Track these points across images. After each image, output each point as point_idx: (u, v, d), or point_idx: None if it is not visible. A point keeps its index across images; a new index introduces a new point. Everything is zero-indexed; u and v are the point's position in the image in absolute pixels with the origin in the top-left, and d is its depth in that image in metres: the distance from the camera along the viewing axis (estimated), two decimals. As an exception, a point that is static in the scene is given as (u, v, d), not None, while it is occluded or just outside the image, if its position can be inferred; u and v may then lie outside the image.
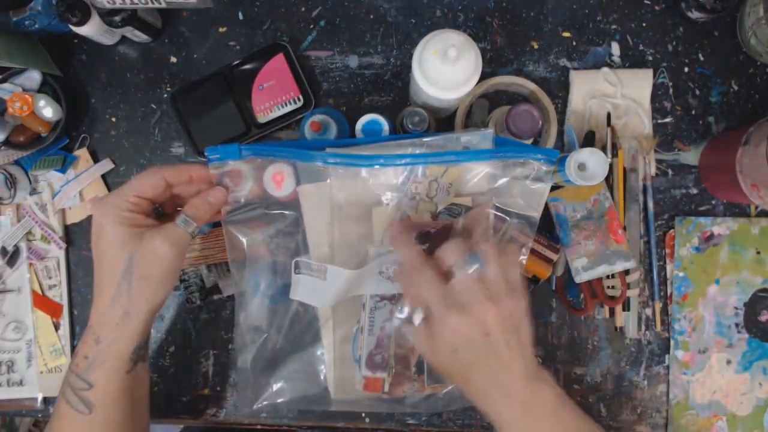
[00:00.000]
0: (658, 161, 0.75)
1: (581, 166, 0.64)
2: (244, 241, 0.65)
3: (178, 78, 0.76)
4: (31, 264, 0.76)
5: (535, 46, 0.75)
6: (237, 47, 0.76)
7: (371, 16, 0.76)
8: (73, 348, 0.76)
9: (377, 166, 0.61)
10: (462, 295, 0.50)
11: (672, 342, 0.74)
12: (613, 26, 0.75)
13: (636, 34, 0.75)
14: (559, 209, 0.72)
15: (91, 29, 0.69)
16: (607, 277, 0.72)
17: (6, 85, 0.71)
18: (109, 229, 0.57)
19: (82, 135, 0.77)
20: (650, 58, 0.75)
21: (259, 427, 0.78)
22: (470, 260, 0.51)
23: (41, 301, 0.76)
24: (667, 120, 0.75)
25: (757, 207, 0.74)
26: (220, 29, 0.76)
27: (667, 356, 0.74)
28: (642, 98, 0.73)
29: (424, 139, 0.62)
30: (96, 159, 0.77)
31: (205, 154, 0.62)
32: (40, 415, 0.77)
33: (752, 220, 0.74)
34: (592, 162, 0.64)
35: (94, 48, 0.77)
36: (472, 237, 0.55)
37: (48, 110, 0.72)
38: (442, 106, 0.67)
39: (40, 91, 0.72)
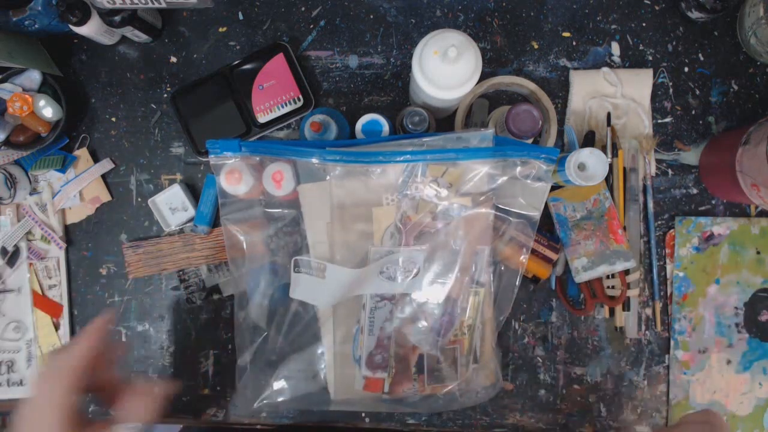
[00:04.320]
0: (658, 161, 0.75)
1: (581, 166, 0.64)
2: (244, 240, 0.65)
3: (178, 78, 0.76)
4: (31, 264, 0.76)
5: (535, 46, 0.75)
6: (237, 47, 0.76)
7: (371, 16, 0.76)
8: (73, 348, 0.76)
9: (377, 164, 0.61)
10: None
11: (672, 342, 0.74)
12: (613, 26, 0.75)
13: (636, 34, 0.75)
14: (559, 209, 0.72)
15: (91, 29, 0.69)
16: (607, 277, 0.72)
17: (6, 85, 0.71)
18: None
19: (82, 135, 0.77)
20: (650, 58, 0.75)
21: (258, 427, 0.78)
22: None
23: (41, 301, 0.76)
24: (667, 120, 0.75)
25: (757, 207, 0.74)
26: (220, 29, 0.76)
27: (667, 356, 0.74)
28: (642, 98, 0.73)
29: (424, 139, 0.63)
30: (96, 159, 0.77)
31: (206, 147, 0.63)
32: (40, 415, 0.77)
33: (752, 220, 0.74)
34: (592, 162, 0.64)
35: (94, 48, 0.77)
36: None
37: (48, 110, 0.72)
38: (442, 106, 0.67)
39: (40, 91, 0.72)
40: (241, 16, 0.76)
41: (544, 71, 0.75)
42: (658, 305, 0.74)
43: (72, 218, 0.77)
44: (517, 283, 0.67)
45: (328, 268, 0.63)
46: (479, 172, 0.62)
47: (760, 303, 0.74)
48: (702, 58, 0.75)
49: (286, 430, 0.79)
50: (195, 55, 0.76)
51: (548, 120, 0.71)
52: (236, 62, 0.74)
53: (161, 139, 0.77)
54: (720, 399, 0.73)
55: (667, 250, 0.74)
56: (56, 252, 0.76)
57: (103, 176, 0.76)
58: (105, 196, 0.76)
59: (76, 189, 0.75)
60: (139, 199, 0.76)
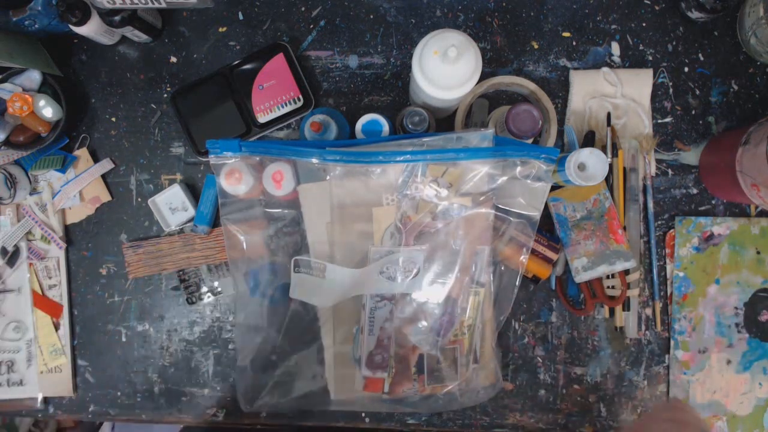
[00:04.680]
0: (658, 161, 0.75)
1: (581, 166, 0.64)
2: (244, 240, 0.65)
3: (178, 78, 0.76)
4: (31, 264, 0.76)
5: (535, 46, 0.75)
6: (237, 47, 0.76)
7: (371, 16, 0.76)
8: (73, 348, 0.76)
9: (377, 164, 0.61)
10: None
11: (672, 342, 0.74)
12: (613, 26, 0.75)
13: (636, 34, 0.75)
14: (559, 209, 0.72)
15: (91, 29, 0.69)
16: (607, 277, 0.72)
17: (6, 85, 0.71)
18: None
19: (82, 135, 0.77)
20: (650, 58, 0.75)
21: (259, 427, 0.78)
22: None
23: (41, 301, 0.76)
24: (667, 120, 0.75)
25: (757, 207, 0.74)
26: (220, 29, 0.76)
27: (667, 356, 0.74)
28: (642, 98, 0.73)
29: (424, 139, 0.63)
30: (96, 159, 0.77)
31: (206, 146, 0.63)
32: (40, 415, 0.77)
33: (752, 220, 0.74)
34: (592, 162, 0.64)
35: (94, 48, 0.77)
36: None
37: (48, 110, 0.72)
38: (442, 106, 0.67)
39: (40, 91, 0.72)
40: (241, 16, 0.76)
41: (544, 71, 0.75)
42: (658, 305, 0.74)
43: (72, 218, 0.77)
44: (517, 283, 0.67)
45: (328, 268, 0.63)
46: (479, 172, 0.62)
47: (760, 303, 0.74)
48: (702, 58, 0.75)
49: (286, 430, 0.79)
50: (195, 55, 0.76)
51: (548, 120, 0.71)
52: (236, 62, 0.74)
53: (161, 139, 0.77)
54: (720, 399, 0.73)
55: (667, 250, 0.74)
56: (56, 252, 0.76)
57: (103, 176, 0.76)
58: (105, 196, 0.76)
59: (76, 189, 0.75)
60: (139, 199, 0.76)
